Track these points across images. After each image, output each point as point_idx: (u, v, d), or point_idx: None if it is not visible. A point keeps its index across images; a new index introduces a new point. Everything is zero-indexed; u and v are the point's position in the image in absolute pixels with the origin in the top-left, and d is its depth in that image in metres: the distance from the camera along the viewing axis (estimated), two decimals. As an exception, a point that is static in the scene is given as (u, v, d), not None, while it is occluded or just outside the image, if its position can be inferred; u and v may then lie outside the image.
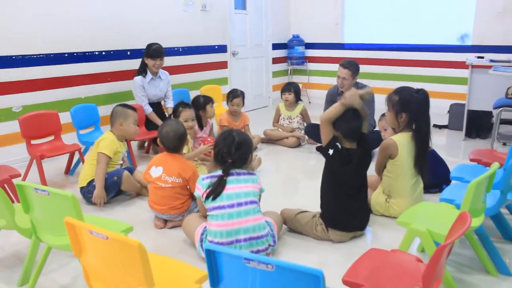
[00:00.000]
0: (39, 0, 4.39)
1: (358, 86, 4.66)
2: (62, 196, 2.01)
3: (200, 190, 2.56)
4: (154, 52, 4.71)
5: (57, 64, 4.64)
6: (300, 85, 5.73)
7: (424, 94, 3.06)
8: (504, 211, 3.05)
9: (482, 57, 5.46)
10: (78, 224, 1.62)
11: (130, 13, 5.26)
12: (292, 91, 5.14)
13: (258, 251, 2.50)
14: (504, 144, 5.00)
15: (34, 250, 2.35)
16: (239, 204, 2.47)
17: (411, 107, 3.01)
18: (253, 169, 2.84)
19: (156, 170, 3.05)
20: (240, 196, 2.49)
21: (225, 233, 2.44)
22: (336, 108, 2.81)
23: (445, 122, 5.90)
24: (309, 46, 8.04)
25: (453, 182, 3.12)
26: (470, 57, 5.57)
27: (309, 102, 7.75)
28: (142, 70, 4.76)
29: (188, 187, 3.07)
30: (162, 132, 3.10)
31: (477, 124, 5.39)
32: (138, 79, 4.72)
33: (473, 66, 5.16)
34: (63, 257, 2.63)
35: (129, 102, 4.95)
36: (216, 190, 2.49)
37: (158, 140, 3.18)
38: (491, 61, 5.17)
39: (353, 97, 2.79)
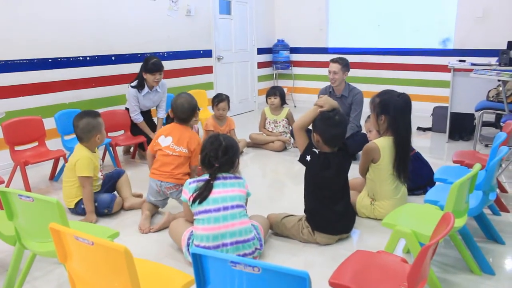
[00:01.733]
0: (21, 4, 4.35)
1: (350, 88, 4.73)
2: (46, 202, 1.99)
3: (186, 194, 2.56)
4: (154, 66, 4.56)
5: (41, 69, 4.58)
6: (285, 89, 5.76)
7: (405, 98, 3.10)
8: (486, 211, 3.11)
9: (464, 61, 5.55)
10: (63, 230, 1.60)
11: (115, 18, 5.23)
12: (278, 95, 5.16)
13: (244, 255, 2.50)
14: (486, 145, 5.09)
15: (18, 257, 2.31)
16: (225, 208, 2.47)
17: (390, 110, 3.05)
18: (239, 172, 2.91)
19: (165, 139, 3.23)
20: (226, 200, 2.49)
21: (211, 237, 2.44)
22: (308, 114, 2.85)
23: (429, 125, 5.98)
24: (294, 50, 8.10)
25: (437, 183, 3.17)
26: (452, 61, 5.66)
27: (294, 106, 7.79)
28: (139, 85, 4.62)
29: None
30: (176, 102, 3.27)
31: (460, 126, 5.47)
32: (133, 91, 4.61)
33: (455, 70, 5.25)
34: (47, 264, 2.60)
35: (118, 107, 4.97)
36: (202, 194, 2.49)
37: (169, 110, 3.36)
38: (472, 64, 5.26)
39: (325, 100, 2.85)
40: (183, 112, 3.25)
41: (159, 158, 3.23)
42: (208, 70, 6.72)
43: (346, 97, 4.73)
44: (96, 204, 3.26)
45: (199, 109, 3.46)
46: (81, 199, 3.27)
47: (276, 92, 5.19)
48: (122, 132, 4.70)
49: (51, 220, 1.80)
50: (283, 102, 5.22)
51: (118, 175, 3.56)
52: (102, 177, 3.42)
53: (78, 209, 3.29)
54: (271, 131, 5.20)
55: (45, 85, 4.64)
